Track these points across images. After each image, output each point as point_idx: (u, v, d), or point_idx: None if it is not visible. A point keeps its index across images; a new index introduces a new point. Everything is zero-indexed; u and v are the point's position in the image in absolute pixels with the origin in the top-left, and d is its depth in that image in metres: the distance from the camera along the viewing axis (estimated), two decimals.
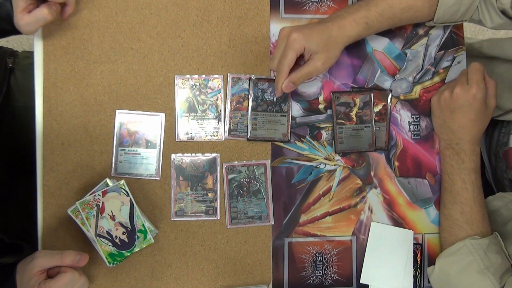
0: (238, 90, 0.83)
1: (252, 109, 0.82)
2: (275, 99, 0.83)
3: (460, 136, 0.80)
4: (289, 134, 0.83)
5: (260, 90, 0.82)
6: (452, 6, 0.78)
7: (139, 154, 0.80)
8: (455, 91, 0.78)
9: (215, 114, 0.82)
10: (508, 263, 0.75)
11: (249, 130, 0.82)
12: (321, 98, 0.84)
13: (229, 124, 0.82)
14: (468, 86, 0.77)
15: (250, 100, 0.82)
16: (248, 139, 0.82)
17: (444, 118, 0.81)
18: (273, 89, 0.83)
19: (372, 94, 0.84)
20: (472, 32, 1.90)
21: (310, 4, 0.85)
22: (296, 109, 0.84)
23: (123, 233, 0.74)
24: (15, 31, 0.75)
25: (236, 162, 0.82)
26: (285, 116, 0.82)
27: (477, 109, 0.77)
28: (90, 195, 0.74)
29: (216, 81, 0.82)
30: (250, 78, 0.82)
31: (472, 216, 0.78)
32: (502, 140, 0.87)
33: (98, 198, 0.73)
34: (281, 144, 0.83)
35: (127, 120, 0.80)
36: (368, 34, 0.79)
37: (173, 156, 0.80)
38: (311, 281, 0.82)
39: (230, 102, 0.82)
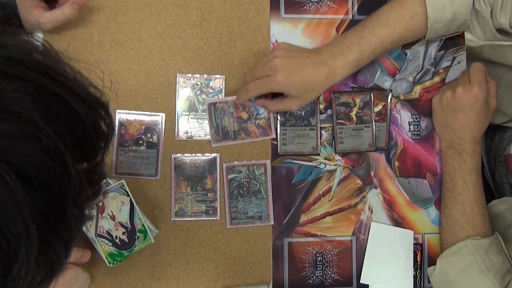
0: None
1: (281, 124, 0.82)
2: (303, 113, 0.83)
3: (461, 136, 0.79)
4: (318, 147, 0.83)
5: None
6: (442, 29, 0.78)
7: (139, 154, 0.80)
8: (457, 91, 0.78)
9: None
10: (509, 264, 0.75)
11: (279, 146, 0.82)
12: (321, 98, 0.84)
13: None
14: (470, 86, 0.77)
15: (278, 115, 0.82)
16: (278, 154, 0.82)
17: (445, 118, 0.81)
18: None
19: (372, 94, 0.84)
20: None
21: (310, 4, 0.85)
22: None
23: (123, 233, 0.74)
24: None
25: (236, 162, 0.82)
26: (314, 130, 0.82)
27: (478, 109, 0.77)
28: None
29: (217, 81, 0.82)
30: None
31: (473, 216, 0.78)
32: (503, 144, 0.87)
33: (98, 198, 0.73)
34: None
35: (127, 120, 0.80)
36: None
37: (173, 156, 0.80)
38: (311, 281, 0.82)
39: None
